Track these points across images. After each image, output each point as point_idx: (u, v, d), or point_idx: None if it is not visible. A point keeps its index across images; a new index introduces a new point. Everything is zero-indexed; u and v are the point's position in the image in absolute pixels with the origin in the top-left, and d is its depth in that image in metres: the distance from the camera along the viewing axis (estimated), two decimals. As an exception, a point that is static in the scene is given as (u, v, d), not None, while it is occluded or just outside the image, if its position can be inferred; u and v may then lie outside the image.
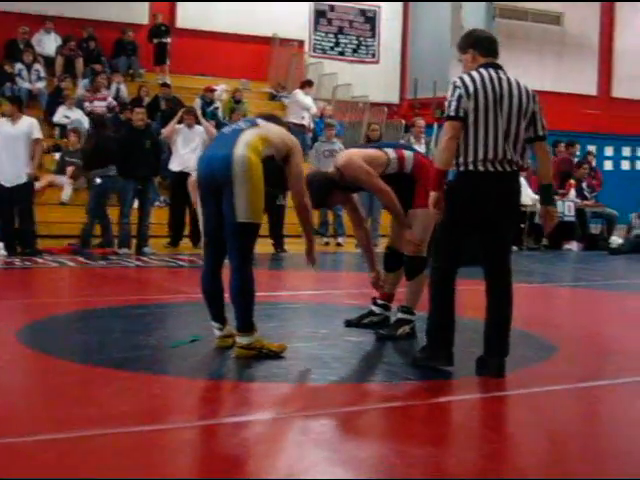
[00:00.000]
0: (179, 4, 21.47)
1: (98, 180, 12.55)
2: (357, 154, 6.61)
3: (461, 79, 5.36)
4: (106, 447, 3.84)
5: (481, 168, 5.29)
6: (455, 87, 5.34)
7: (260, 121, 5.94)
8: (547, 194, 5.67)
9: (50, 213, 13.93)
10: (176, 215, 13.70)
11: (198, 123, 13.92)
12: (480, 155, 5.28)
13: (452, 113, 5.29)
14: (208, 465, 3.72)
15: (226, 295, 5.78)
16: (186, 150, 13.40)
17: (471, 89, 5.29)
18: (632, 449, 4.16)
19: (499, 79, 5.39)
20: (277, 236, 13.74)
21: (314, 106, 19.52)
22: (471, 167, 5.29)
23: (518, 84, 5.46)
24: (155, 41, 20.13)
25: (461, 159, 5.32)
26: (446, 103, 5.37)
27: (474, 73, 5.40)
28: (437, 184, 5.34)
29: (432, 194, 5.35)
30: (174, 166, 13.64)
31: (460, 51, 5.67)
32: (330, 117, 18.88)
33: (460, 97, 5.29)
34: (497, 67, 5.50)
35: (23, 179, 11.56)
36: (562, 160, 18.34)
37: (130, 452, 3.82)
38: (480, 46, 5.56)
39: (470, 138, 5.29)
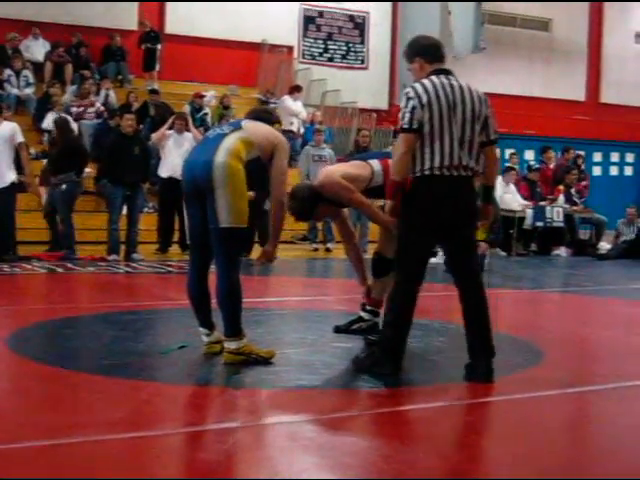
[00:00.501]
0: (168, 10, 21.46)
1: (64, 186, 12.46)
2: (336, 171, 6.62)
3: (414, 89, 5.38)
4: (94, 454, 3.83)
5: (437, 172, 5.34)
6: (408, 98, 5.36)
7: (245, 123, 5.92)
8: (488, 194, 5.75)
9: (39, 219, 13.88)
10: (165, 221, 13.68)
11: (188, 129, 13.92)
12: (436, 163, 5.33)
13: (406, 125, 5.32)
14: (196, 471, 3.72)
15: (213, 300, 5.78)
16: (175, 156, 13.38)
17: (424, 99, 5.31)
18: (617, 455, 4.17)
19: (451, 86, 5.42)
20: (263, 242, 13.70)
21: (304, 111, 19.56)
22: (427, 172, 5.34)
23: (470, 89, 5.50)
24: (144, 47, 20.11)
25: (417, 168, 5.36)
26: (400, 114, 5.39)
27: (426, 82, 5.42)
28: (393, 195, 5.43)
29: (388, 203, 5.50)
30: (163, 172, 13.64)
31: (407, 61, 5.72)
32: (320, 123, 18.96)
33: (414, 108, 5.31)
34: (447, 73, 5.54)
35: (4, 183, 11.48)
36: (559, 166, 18.44)
37: (118, 459, 3.81)
38: (426, 53, 5.61)
39: (426, 147, 5.33)
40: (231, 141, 5.65)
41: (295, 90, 19.61)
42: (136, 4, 21.03)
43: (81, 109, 17.21)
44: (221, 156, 5.53)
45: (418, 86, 5.39)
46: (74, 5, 19.96)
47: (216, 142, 5.67)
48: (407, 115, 5.31)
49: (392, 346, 5.48)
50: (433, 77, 5.44)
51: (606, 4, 26.25)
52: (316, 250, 15.22)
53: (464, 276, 5.50)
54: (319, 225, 15.55)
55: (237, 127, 5.85)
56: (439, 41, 5.80)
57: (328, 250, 15.15)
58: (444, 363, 6.09)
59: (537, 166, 18.26)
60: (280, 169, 5.83)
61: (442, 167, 5.32)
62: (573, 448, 4.33)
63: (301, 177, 15.08)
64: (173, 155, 13.46)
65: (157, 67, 20.36)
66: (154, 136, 13.93)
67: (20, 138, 11.60)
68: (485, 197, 5.71)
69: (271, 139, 5.81)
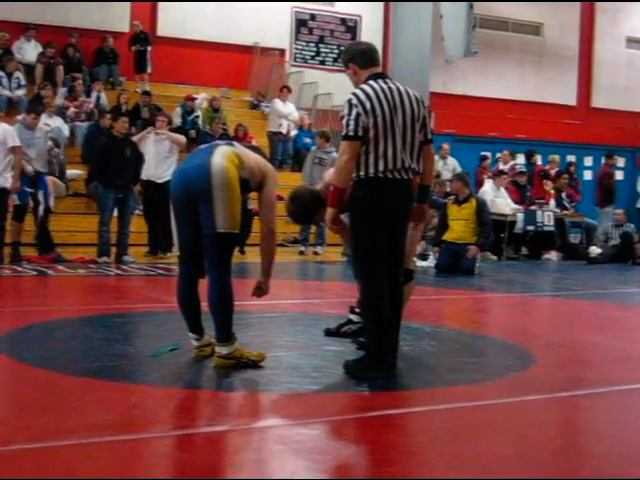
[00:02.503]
0: (160, 12, 21.44)
1: None
2: None
3: (356, 96, 5.46)
4: (84, 457, 3.83)
5: (381, 176, 5.44)
6: (352, 105, 5.44)
7: (237, 144, 5.99)
8: (425, 194, 5.85)
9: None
10: (150, 224, 13.58)
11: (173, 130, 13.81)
12: (381, 167, 5.43)
13: (351, 133, 5.39)
14: (186, 475, 3.71)
15: (204, 304, 5.77)
16: (150, 158, 13.20)
17: (368, 106, 5.40)
18: (605, 458, 4.17)
19: (390, 90, 5.53)
20: (243, 239, 13.53)
21: (295, 112, 19.54)
22: (372, 175, 5.43)
23: (407, 92, 5.61)
24: (134, 49, 20.09)
25: (362, 172, 5.45)
26: (343, 122, 5.45)
27: (367, 88, 5.51)
28: (336, 201, 5.52)
29: (329, 210, 5.56)
30: (143, 175, 13.39)
31: (344, 67, 5.85)
32: (309, 127, 19.17)
33: (358, 115, 5.39)
34: (384, 77, 5.65)
35: None
36: (603, 174, 18.62)
37: (108, 462, 3.80)
38: (358, 58, 5.72)
39: (370, 152, 5.43)
40: (226, 149, 5.68)
41: (281, 91, 19.59)
42: (128, 6, 21.02)
43: (76, 110, 17.20)
44: (218, 159, 5.53)
45: (360, 93, 5.48)
46: (68, 7, 19.95)
47: (210, 149, 5.70)
48: (352, 123, 5.39)
49: (378, 350, 5.51)
50: (372, 82, 5.55)
51: (597, 9, 26.31)
52: (302, 253, 15.12)
53: (394, 273, 5.64)
54: (312, 228, 15.48)
55: (230, 143, 5.94)
56: (372, 45, 5.92)
57: (316, 253, 15.11)
58: (435, 367, 6.10)
59: (522, 169, 18.27)
60: (270, 198, 5.83)
61: (386, 170, 5.43)
62: (561, 452, 4.32)
63: (304, 180, 15.05)
64: (149, 157, 13.28)
65: (149, 69, 20.33)
66: (135, 138, 13.67)
67: (12, 142, 11.48)
68: (421, 197, 5.81)
69: (262, 167, 5.82)
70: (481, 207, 13.21)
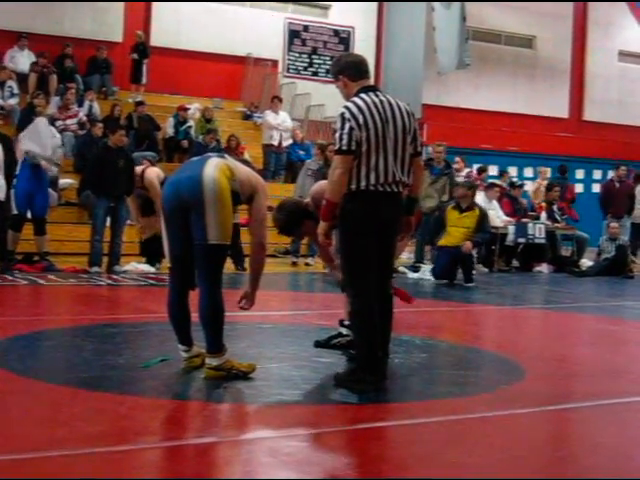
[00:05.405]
0: (154, 22, 21.46)
1: None
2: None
3: (349, 110, 5.47)
4: (73, 468, 3.82)
5: (372, 188, 5.45)
6: (345, 119, 5.44)
7: (228, 156, 5.99)
8: (412, 206, 5.87)
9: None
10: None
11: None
12: (372, 180, 5.45)
13: (344, 147, 5.40)
14: (175, 486, 3.71)
15: (194, 315, 5.76)
16: None
17: (361, 120, 5.41)
18: (593, 473, 4.17)
19: (381, 102, 5.55)
20: (237, 254, 13.28)
21: (288, 121, 19.54)
22: (363, 188, 5.44)
23: (398, 104, 5.62)
24: (132, 57, 20.09)
25: (353, 185, 5.45)
26: (336, 135, 5.46)
27: (358, 101, 5.52)
28: (329, 215, 5.52)
29: (322, 224, 5.56)
30: None
31: (333, 79, 5.87)
32: (301, 140, 19.21)
33: (351, 129, 5.40)
34: (375, 89, 5.67)
35: None
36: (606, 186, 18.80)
37: (98, 473, 3.79)
38: (349, 71, 5.74)
39: (362, 165, 5.44)
40: (218, 161, 5.69)
41: (272, 102, 19.60)
42: (122, 16, 21.04)
43: (67, 121, 17.18)
44: (210, 171, 5.54)
45: (352, 106, 5.49)
46: (61, 16, 19.98)
47: (202, 161, 5.70)
48: (345, 137, 5.39)
49: (368, 362, 5.51)
50: (363, 95, 5.56)
51: (590, 23, 26.42)
52: (294, 264, 15.10)
53: (381, 283, 5.64)
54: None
55: (221, 155, 5.95)
56: (362, 57, 5.92)
57: (307, 264, 15.09)
58: (425, 379, 6.10)
59: (520, 182, 18.31)
60: (260, 212, 5.81)
61: (377, 184, 5.45)
62: (551, 465, 4.33)
63: (295, 191, 15.05)
64: None
65: (144, 80, 20.33)
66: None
67: None
68: (409, 209, 5.82)
69: (252, 180, 5.81)
70: (484, 217, 13.36)
